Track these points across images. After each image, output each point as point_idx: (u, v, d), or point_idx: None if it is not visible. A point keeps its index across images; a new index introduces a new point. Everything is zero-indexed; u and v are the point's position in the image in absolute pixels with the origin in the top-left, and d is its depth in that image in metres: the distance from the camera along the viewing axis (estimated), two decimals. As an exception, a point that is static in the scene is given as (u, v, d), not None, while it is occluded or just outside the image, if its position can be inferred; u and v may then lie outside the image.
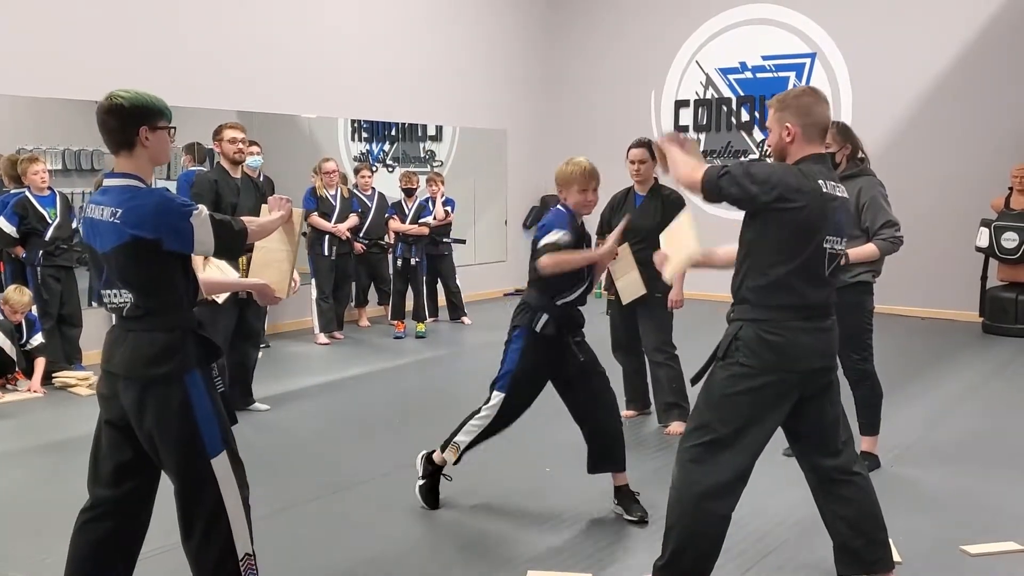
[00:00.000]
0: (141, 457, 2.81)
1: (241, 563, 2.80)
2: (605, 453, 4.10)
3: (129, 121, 2.73)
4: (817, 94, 3.11)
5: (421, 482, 4.19)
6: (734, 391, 2.99)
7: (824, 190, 3.00)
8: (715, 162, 11.03)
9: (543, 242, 3.87)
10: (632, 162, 5.39)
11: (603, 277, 5.58)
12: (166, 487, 2.86)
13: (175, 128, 2.88)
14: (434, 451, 4.18)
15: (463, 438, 4.06)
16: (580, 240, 4.02)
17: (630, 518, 4.03)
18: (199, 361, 2.78)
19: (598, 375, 4.10)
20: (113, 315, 2.83)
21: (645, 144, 5.43)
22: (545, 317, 3.96)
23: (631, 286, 5.26)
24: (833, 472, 3.12)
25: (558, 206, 4.07)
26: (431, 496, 4.19)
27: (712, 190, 3.01)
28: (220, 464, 2.76)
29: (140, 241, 2.65)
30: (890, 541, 3.20)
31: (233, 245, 2.92)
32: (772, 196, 2.92)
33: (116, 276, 2.72)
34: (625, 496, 4.10)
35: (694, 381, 3.24)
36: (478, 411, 4.07)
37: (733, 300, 3.11)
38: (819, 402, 3.10)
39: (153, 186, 2.85)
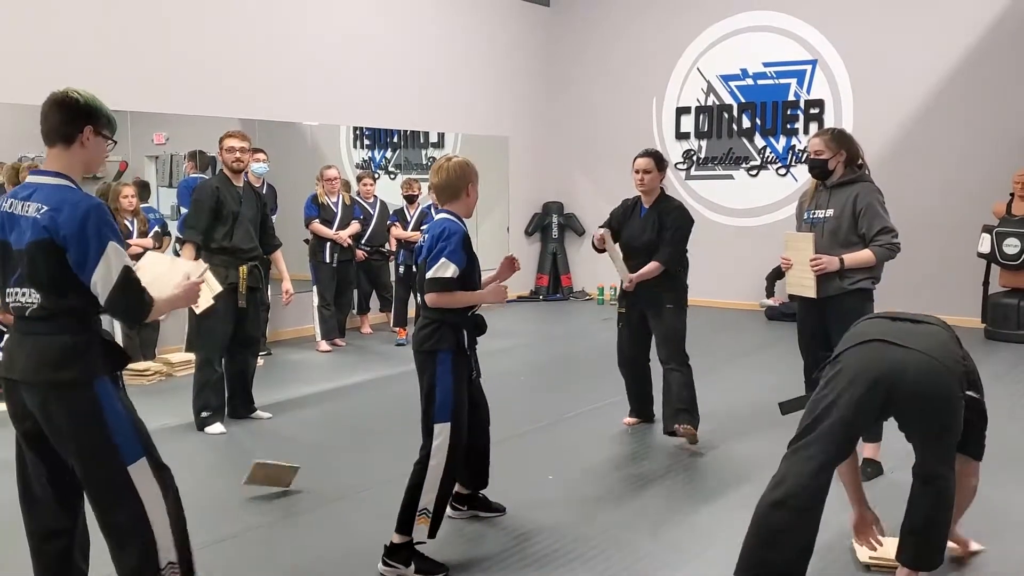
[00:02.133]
0: (59, 467, 2.76)
1: (163, 571, 2.74)
2: (481, 471, 4.12)
3: (77, 115, 2.69)
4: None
5: (412, 570, 3.55)
6: (819, 388, 3.22)
7: None
8: (716, 169, 11.05)
9: (435, 274, 3.53)
10: (636, 172, 5.21)
11: (615, 290, 5.50)
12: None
13: (115, 143, 2.83)
14: (390, 542, 3.60)
15: (428, 497, 3.55)
16: (472, 258, 3.65)
17: (490, 514, 4.15)
18: (108, 367, 2.69)
19: (483, 398, 4.03)
20: (13, 316, 2.71)
21: (652, 154, 5.26)
22: (465, 332, 3.66)
23: (623, 271, 5.23)
24: (915, 470, 3.28)
25: (449, 217, 3.65)
26: (431, 564, 3.61)
27: None
28: (139, 470, 2.69)
29: (52, 243, 2.57)
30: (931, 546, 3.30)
31: (131, 310, 2.68)
32: None
33: (28, 275, 2.62)
34: (478, 501, 4.18)
35: (784, 411, 3.48)
36: (424, 460, 3.57)
37: None
38: (908, 418, 3.23)
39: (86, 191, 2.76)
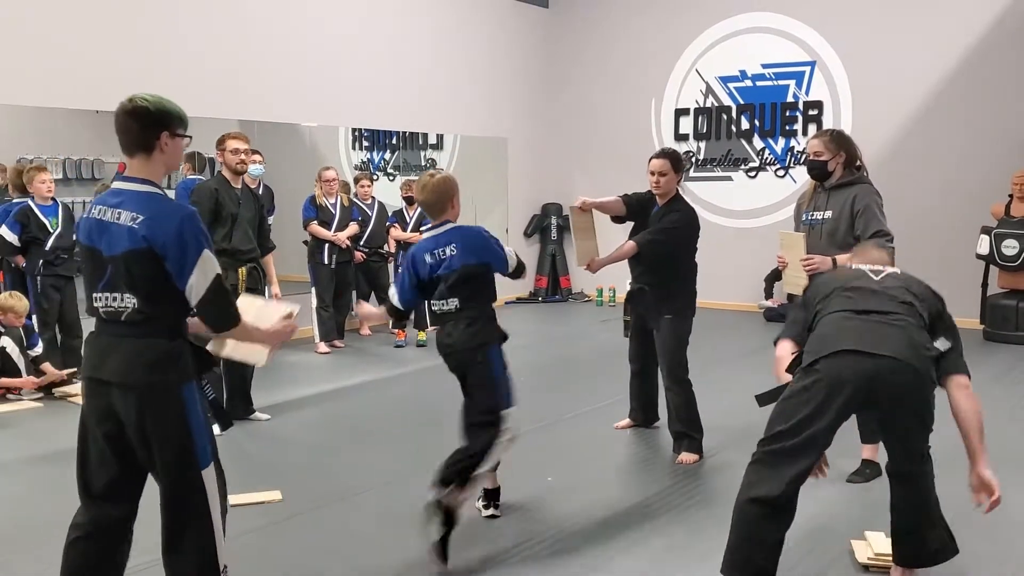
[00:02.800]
0: (129, 469, 2.78)
1: (222, 574, 2.79)
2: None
3: (151, 124, 2.72)
4: None
5: (437, 536, 3.63)
6: (791, 393, 3.17)
7: None
8: (715, 170, 11.05)
9: (513, 258, 3.98)
10: (652, 173, 5.03)
11: (614, 292, 5.45)
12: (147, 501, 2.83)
13: (191, 137, 2.86)
14: (450, 493, 3.68)
15: (486, 466, 3.81)
16: None
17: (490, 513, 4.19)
18: (195, 372, 2.77)
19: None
20: (99, 319, 2.76)
21: (669, 155, 5.06)
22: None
23: (585, 252, 5.11)
24: (889, 470, 3.29)
25: (461, 224, 3.99)
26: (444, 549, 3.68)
27: None
28: (208, 476, 2.75)
29: (152, 251, 2.63)
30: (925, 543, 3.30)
31: (216, 310, 2.72)
32: None
33: (123, 280, 2.67)
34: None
35: (761, 403, 3.44)
36: (494, 438, 3.80)
37: None
38: (887, 420, 3.23)
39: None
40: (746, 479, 3.20)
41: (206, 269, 2.66)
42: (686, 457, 5.03)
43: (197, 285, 2.66)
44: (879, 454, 4.69)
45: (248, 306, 3.77)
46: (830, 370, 3.11)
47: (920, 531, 3.28)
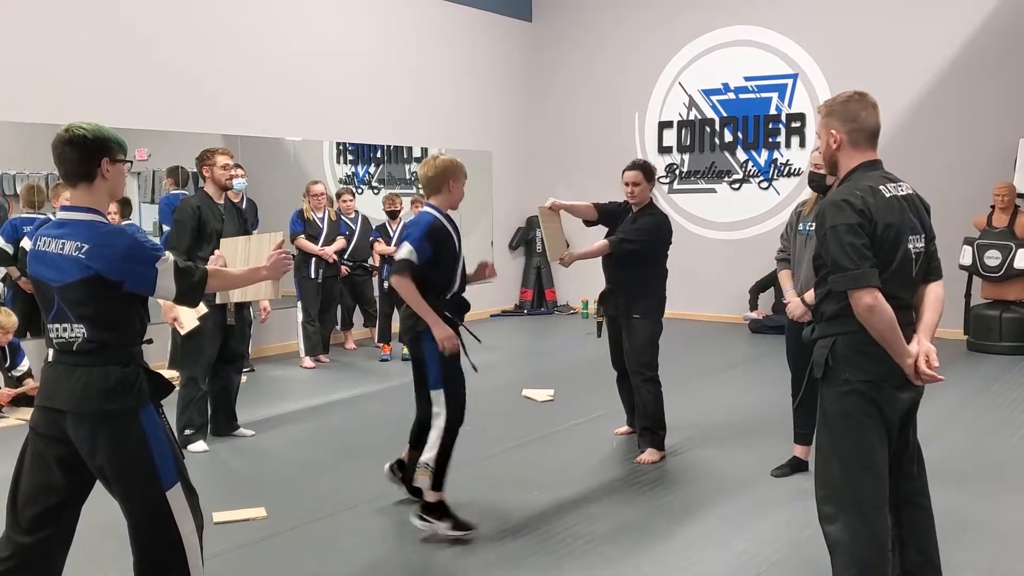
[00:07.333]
0: (68, 500, 2.78)
1: None
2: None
3: (91, 152, 2.71)
4: (864, 99, 3.04)
5: (446, 525, 4.04)
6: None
7: (887, 196, 2.94)
8: (699, 183, 11.09)
9: (397, 257, 4.09)
10: (626, 184, 5.28)
11: (593, 302, 5.52)
12: (117, 526, 2.79)
13: (131, 162, 2.87)
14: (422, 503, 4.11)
15: (429, 454, 4.05)
16: (442, 247, 4.16)
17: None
18: (152, 396, 2.77)
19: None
20: (53, 350, 2.76)
21: (640, 166, 5.32)
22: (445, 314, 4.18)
23: (556, 248, 5.33)
24: (906, 495, 3.04)
25: (425, 210, 4.22)
26: (458, 523, 4.08)
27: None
28: (175, 495, 2.74)
29: (102, 279, 2.64)
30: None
31: (192, 293, 2.86)
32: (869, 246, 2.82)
33: (71, 310, 2.68)
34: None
35: (796, 408, 3.32)
36: (425, 423, 4.18)
37: (814, 318, 3.01)
38: (905, 427, 3.00)
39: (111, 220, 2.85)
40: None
41: (167, 272, 2.74)
42: (647, 456, 5.21)
43: (166, 288, 2.75)
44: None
45: (234, 249, 3.87)
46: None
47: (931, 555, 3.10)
